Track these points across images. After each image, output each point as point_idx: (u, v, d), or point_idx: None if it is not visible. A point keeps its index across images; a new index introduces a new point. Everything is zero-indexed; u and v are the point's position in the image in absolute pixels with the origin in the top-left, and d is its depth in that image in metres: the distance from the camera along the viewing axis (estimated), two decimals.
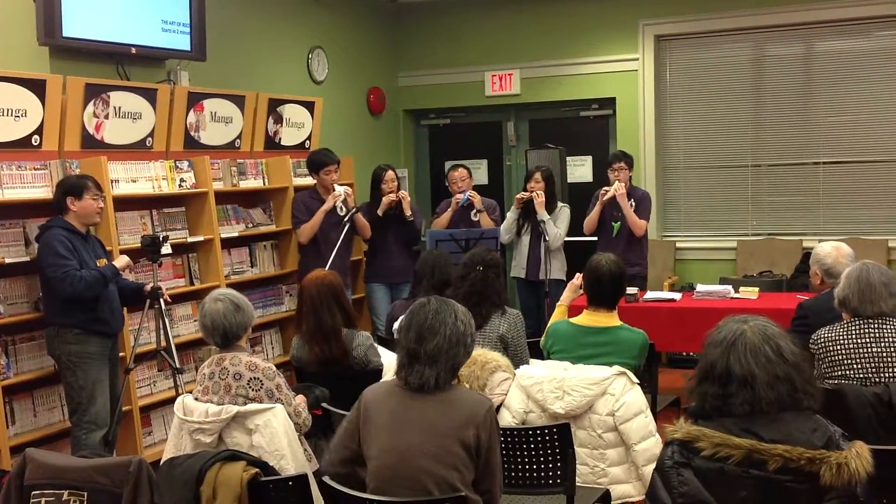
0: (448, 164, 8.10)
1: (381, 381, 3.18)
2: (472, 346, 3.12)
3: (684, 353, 7.42)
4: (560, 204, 6.92)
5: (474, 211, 7.06)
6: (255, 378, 3.66)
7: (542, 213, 6.70)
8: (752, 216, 8.17)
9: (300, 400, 3.87)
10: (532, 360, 4.40)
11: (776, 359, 2.26)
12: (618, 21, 8.27)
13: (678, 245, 8.27)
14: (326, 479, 3.04)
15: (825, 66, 7.82)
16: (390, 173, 6.91)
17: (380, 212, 6.78)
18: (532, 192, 6.76)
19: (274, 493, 3.18)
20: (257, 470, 3.18)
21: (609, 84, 8.42)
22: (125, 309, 5.23)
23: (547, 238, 6.62)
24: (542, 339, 4.44)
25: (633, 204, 6.76)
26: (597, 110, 8.68)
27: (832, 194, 7.89)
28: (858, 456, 2.16)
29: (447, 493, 2.86)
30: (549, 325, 4.52)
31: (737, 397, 2.25)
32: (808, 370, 2.31)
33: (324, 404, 4.00)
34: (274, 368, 3.74)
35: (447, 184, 7.32)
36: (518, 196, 6.89)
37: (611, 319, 4.23)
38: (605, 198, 6.73)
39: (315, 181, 6.66)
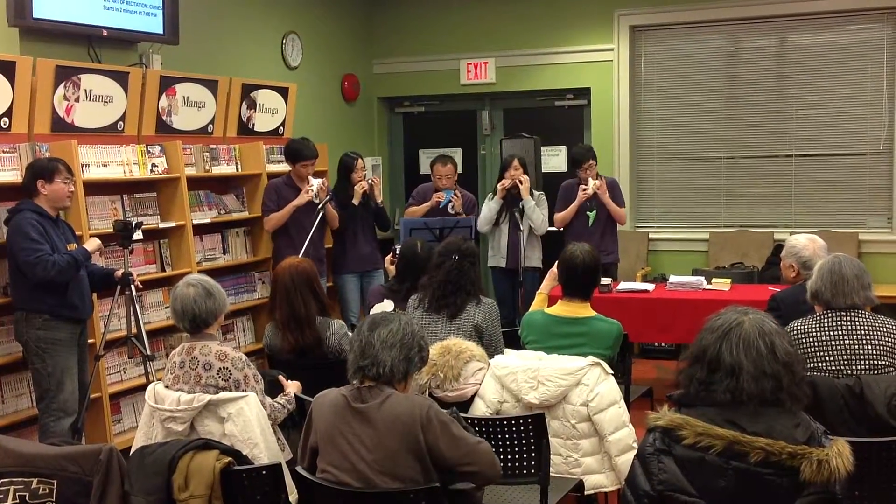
0: (427, 153, 8.06)
1: (330, 389, 3.09)
2: (425, 355, 3.07)
3: (657, 344, 7.46)
4: (536, 192, 6.91)
5: (453, 211, 6.96)
6: (224, 368, 3.63)
7: (528, 199, 6.69)
8: (725, 208, 8.22)
9: (294, 387, 3.88)
10: (507, 350, 4.40)
11: (767, 355, 2.25)
12: (593, 11, 8.27)
13: (651, 236, 8.29)
14: (300, 468, 3.01)
15: (798, 59, 7.86)
16: (361, 161, 6.83)
17: (355, 201, 6.67)
18: (513, 178, 6.74)
19: (247, 482, 3.16)
20: (230, 459, 3.16)
21: (584, 74, 8.42)
22: (95, 295, 5.17)
23: (533, 224, 6.64)
24: (520, 328, 4.43)
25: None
26: (572, 100, 8.67)
27: (804, 187, 7.94)
28: (840, 454, 2.16)
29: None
30: (527, 314, 4.51)
31: (720, 385, 2.26)
32: (800, 372, 2.30)
33: (296, 393, 3.98)
34: (244, 359, 3.69)
35: (431, 176, 7.16)
36: (500, 185, 6.82)
37: (585, 310, 4.23)
38: (586, 195, 6.73)
39: (290, 168, 6.59)
